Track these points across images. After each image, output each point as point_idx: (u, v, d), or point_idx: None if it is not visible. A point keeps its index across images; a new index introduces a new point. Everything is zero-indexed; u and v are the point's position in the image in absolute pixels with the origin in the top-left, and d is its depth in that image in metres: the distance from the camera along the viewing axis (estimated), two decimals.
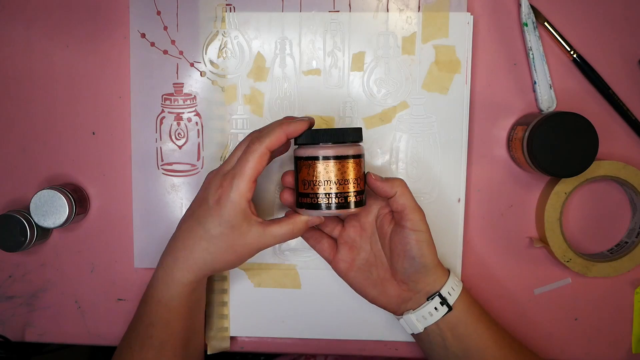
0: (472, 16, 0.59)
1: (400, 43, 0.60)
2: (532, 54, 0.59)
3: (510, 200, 0.62)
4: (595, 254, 0.62)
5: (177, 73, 0.61)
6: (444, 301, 0.54)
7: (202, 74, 0.61)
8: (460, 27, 0.60)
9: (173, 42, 0.61)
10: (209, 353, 0.63)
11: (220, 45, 0.61)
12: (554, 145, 0.54)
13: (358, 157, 0.51)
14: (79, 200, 0.61)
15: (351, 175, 0.51)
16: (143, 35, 0.61)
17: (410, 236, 0.53)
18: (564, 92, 0.60)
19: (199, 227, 0.51)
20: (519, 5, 0.59)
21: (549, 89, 0.59)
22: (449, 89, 0.60)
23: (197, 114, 0.62)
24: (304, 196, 0.51)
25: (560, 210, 0.59)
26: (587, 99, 0.60)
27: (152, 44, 0.61)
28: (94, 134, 0.63)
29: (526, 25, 0.59)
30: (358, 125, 0.61)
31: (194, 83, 0.61)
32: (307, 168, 0.50)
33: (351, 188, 0.50)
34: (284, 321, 0.63)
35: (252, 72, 0.61)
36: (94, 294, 0.64)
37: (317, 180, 0.50)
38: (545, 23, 0.59)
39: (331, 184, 0.50)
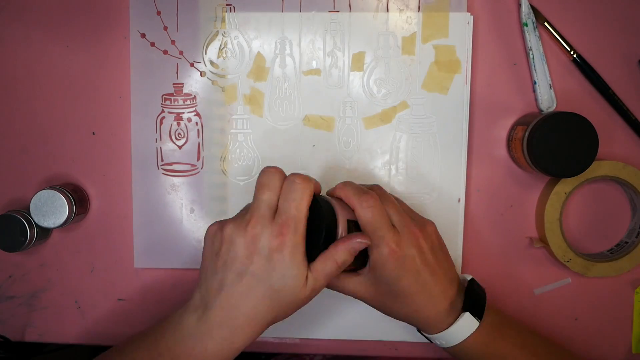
0: (472, 16, 0.59)
1: (400, 43, 0.60)
2: (532, 54, 0.59)
3: (510, 200, 0.62)
4: (595, 254, 0.62)
5: (177, 73, 0.61)
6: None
7: (202, 74, 0.61)
8: (460, 27, 0.60)
9: (173, 42, 0.61)
10: None
11: (220, 45, 0.61)
12: (554, 145, 0.54)
13: None
14: (79, 200, 0.61)
15: None
16: (143, 35, 0.61)
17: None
18: (564, 92, 0.60)
19: (259, 285, 0.46)
20: (519, 5, 0.59)
21: (549, 89, 0.59)
22: (449, 89, 0.60)
23: (197, 114, 0.62)
24: None
25: (560, 210, 0.59)
26: (587, 99, 0.60)
27: (152, 44, 0.61)
28: (94, 134, 0.63)
29: (526, 25, 0.59)
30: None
31: (194, 83, 0.61)
32: None
33: None
34: (284, 321, 0.63)
35: (252, 72, 0.61)
36: (94, 294, 0.64)
37: None
38: (545, 23, 0.59)
39: None
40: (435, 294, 0.52)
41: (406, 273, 0.50)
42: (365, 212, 0.50)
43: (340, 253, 0.48)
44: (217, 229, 0.49)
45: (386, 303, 0.53)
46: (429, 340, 0.55)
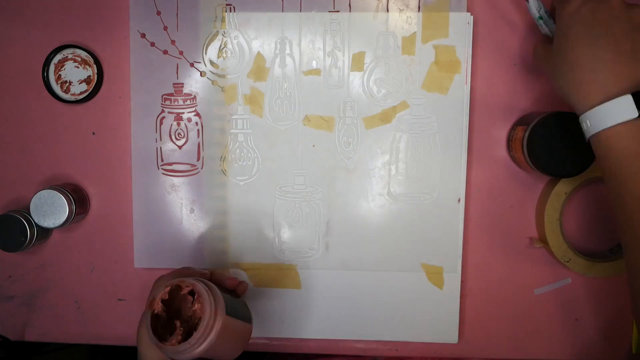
0: (472, 16, 0.59)
1: (400, 43, 0.60)
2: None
3: (510, 200, 0.62)
4: (595, 254, 0.62)
5: (177, 73, 0.61)
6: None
7: (202, 74, 0.61)
8: (460, 27, 0.60)
9: (173, 42, 0.61)
10: None
11: (220, 45, 0.61)
12: (554, 145, 0.54)
13: None
14: (79, 200, 0.61)
15: None
16: (143, 35, 0.61)
17: None
18: None
19: None
20: (527, 1, 0.56)
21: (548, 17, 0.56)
22: (449, 89, 0.60)
23: (197, 114, 0.62)
24: None
25: (560, 210, 0.59)
26: None
27: (152, 44, 0.61)
28: (94, 134, 0.63)
29: (541, 18, 0.57)
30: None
31: (194, 83, 0.61)
32: None
33: None
34: (284, 321, 0.63)
35: (252, 72, 0.61)
36: (94, 294, 0.64)
37: None
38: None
39: None
40: (610, 62, 0.47)
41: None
42: None
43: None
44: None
45: (576, 49, 0.48)
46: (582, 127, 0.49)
